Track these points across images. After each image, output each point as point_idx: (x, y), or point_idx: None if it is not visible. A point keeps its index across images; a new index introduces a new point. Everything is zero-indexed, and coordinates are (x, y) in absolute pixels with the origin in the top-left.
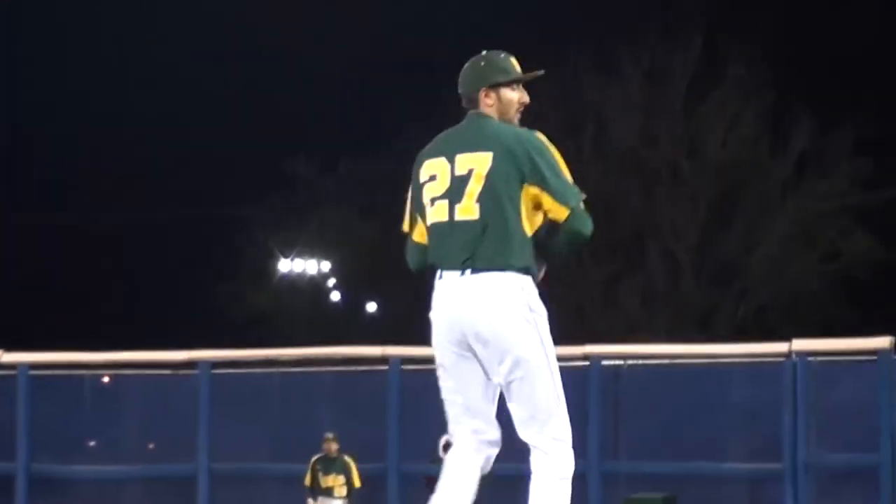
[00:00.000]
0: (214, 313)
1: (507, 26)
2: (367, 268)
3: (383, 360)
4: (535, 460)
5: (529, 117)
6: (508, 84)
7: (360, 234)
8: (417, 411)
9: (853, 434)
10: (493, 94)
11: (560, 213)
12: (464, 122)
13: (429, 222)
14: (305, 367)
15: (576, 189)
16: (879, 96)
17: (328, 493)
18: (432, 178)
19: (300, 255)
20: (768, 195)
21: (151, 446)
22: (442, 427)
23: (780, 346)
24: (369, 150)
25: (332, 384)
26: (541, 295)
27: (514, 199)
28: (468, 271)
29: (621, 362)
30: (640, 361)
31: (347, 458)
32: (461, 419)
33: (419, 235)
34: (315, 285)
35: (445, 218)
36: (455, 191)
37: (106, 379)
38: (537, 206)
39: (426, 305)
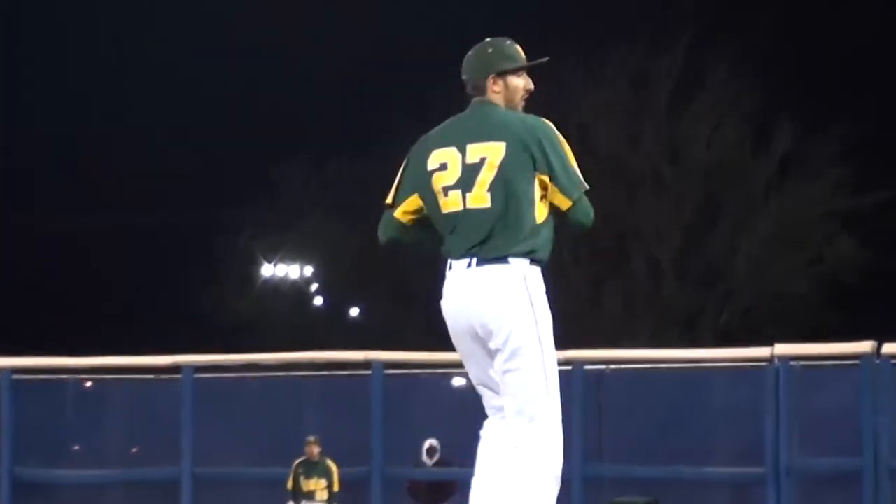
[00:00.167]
0: (198, 318)
1: (507, 26)
2: (350, 273)
3: (366, 364)
4: (517, 457)
5: None
6: (515, 71)
7: (343, 239)
8: (401, 416)
9: (836, 438)
10: (500, 82)
11: (564, 203)
12: (469, 110)
13: (443, 212)
14: (289, 371)
15: (580, 179)
16: (864, 100)
17: (310, 496)
18: (442, 166)
19: (283, 259)
20: (752, 197)
21: (135, 450)
22: (425, 432)
23: (762, 351)
24: (357, 152)
25: (316, 389)
26: None
27: (526, 189)
28: (474, 264)
29: (604, 367)
30: (623, 366)
31: (329, 462)
32: (486, 399)
33: (402, 214)
34: (298, 290)
35: (460, 207)
36: (466, 180)
37: (89, 383)
38: (544, 194)
39: (409, 311)
